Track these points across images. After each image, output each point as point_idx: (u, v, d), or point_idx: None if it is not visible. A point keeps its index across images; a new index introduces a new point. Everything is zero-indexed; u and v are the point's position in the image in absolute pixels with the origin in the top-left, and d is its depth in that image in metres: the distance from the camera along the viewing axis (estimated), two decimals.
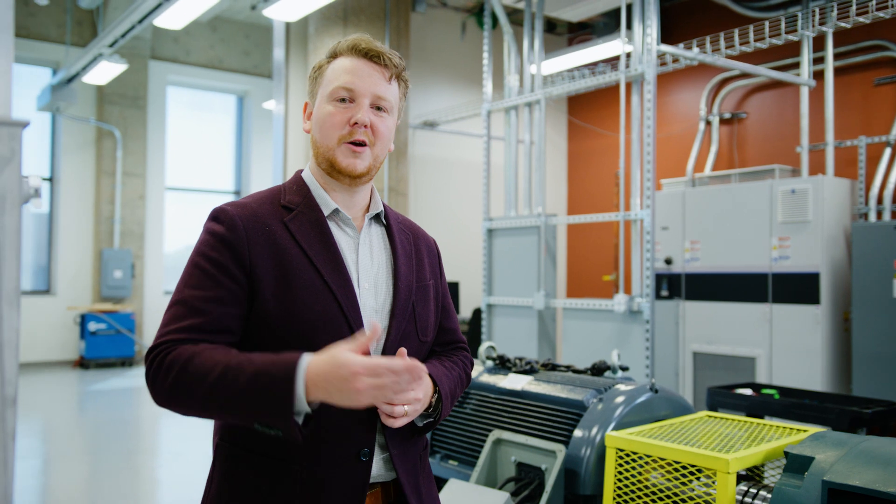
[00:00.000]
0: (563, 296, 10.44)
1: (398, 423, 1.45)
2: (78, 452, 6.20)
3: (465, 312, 9.63)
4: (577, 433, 2.91)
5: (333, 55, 1.60)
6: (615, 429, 2.86)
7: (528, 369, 3.42)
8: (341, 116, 1.54)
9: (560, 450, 2.86)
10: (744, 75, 7.96)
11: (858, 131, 7.36)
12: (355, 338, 1.38)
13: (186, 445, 6.42)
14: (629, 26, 5.34)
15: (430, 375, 1.56)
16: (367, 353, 1.43)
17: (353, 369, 1.30)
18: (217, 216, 1.50)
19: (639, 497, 2.65)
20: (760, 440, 2.69)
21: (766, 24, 6.12)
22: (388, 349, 1.54)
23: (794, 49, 7.22)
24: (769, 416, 4.37)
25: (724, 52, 6.27)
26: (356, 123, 1.53)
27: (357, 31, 8.19)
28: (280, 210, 1.55)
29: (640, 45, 5.03)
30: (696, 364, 6.74)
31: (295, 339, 1.45)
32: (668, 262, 6.98)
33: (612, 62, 7.15)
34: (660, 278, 7.07)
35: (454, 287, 9.14)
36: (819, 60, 7.09)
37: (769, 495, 2.42)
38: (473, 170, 9.94)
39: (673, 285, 6.97)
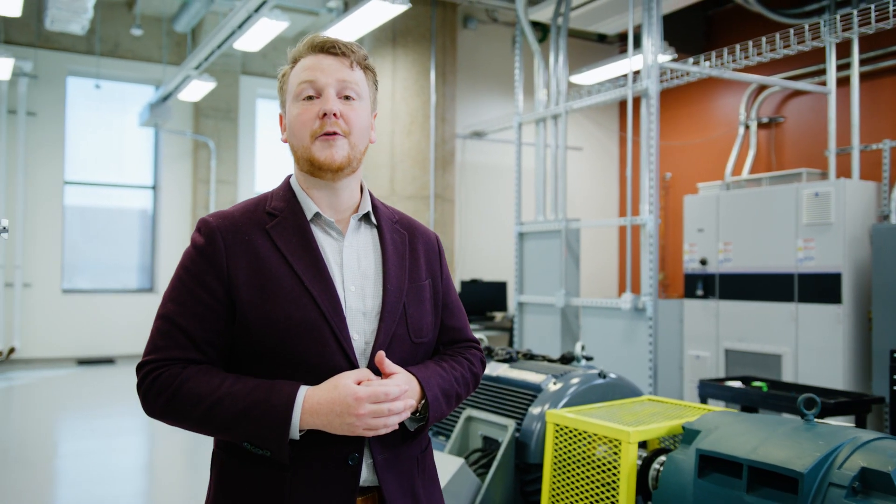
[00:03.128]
0: (613, 294, 10.74)
1: (381, 432, 1.43)
2: (174, 430, 7.11)
3: (512, 311, 10.08)
4: (531, 411, 3.37)
5: (294, 60, 1.59)
6: (563, 407, 3.32)
7: (508, 358, 3.88)
8: (310, 112, 1.53)
9: (511, 424, 3.32)
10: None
11: (888, 134, 7.38)
12: (357, 371, 1.44)
13: None
14: (637, 44, 5.71)
15: (419, 379, 1.53)
16: (354, 361, 1.48)
17: (358, 395, 1.37)
18: (200, 228, 1.52)
19: (574, 465, 3.10)
20: (675, 418, 3.09)
21: (806, 27, 6.25)
22: (377, 352, 1.50)
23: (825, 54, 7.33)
24: (761, 408, 4.70)
25: (768, 55, 6.44)
26: (325, 115, 1.51)
27: (405, 51, 8.66)
28: (264, 217, 1.55)
29: (648, 61, 5.40)
30: (728, 361, 6.98)
31: (277, 346, 1.45)
32: (703, 262, 7.24)
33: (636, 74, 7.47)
34: (695, 278, 7.33)
35: (501, 287, 9.45)
36: (848, 66, 7.17)
37: None
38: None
39: (708, 285, 7.22)
